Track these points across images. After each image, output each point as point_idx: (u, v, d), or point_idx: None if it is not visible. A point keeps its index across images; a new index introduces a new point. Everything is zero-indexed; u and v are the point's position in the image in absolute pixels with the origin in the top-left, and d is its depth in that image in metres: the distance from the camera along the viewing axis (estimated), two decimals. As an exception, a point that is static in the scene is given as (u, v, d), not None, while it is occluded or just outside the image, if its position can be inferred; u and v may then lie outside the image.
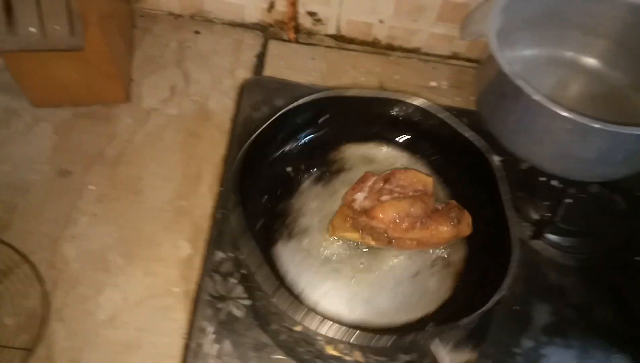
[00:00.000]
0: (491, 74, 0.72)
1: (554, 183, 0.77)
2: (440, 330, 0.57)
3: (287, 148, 0.77)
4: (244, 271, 0.69)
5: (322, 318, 0.58)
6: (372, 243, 0.69)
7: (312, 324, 0.58)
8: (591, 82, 0.82)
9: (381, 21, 0.90)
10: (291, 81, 0.88)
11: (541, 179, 0.78)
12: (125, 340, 0.65)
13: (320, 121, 0.78)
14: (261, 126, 0.71)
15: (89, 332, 0.65)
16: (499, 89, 0.70)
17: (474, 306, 0.60)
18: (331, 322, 0.58)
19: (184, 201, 0.75)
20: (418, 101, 0.75)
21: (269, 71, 0.90)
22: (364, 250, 0.70)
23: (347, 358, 0.65)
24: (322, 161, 0.77)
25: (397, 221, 0.67)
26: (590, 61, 0.83)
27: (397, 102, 0.75)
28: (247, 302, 0.67)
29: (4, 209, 0.71)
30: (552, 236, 0.75)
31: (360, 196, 0.71)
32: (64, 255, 0.69)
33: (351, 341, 0.57)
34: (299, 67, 0.91)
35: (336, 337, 0.58)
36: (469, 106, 0.85)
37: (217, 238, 0.71)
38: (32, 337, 0.63)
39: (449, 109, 0.84)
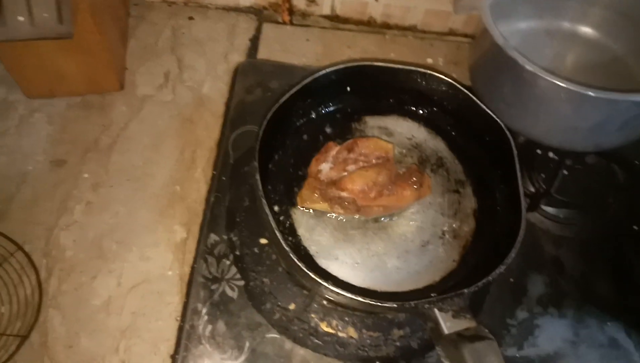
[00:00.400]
0: (485, 48, 0.70)
1: (551, 154, 0.76)
2: (443, 297, 0.57)
3: (310, 117, 0.77)
4: (237, 252, 0.68)
5: (330, 281, 0.58)
6: (341, 211, 0.68)
7: (322, 287, 0.58)
8: (590, 53, 0.80)
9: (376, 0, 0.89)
10: (286, 63, 0.88)
11: (538, 151, 0.76)
12: (120, 324, 0.65)
13: (342, 92, 0.77)
14: (285, 95, 0.70)
15: (84, 317, 0.65)
16: (493, 62, 0.69)
17: (477, 277, 0.59)
18: (336, 287, 0.58)
19: (179, 186, 0.75)
20: (442, 75, 0.74)
21: (263, 54, 0.89)
22: (377, 219, 0.70)
23: (341, 334, 0.64)
24: (343, 131, 0.77)
25: (366, 190, 0.68)
26: (589, 31, 0.81)
27: (421, 74, 0.75)
28: (241, 283, 0.67)
29: None
30: (548, 208, 0.74)
31: (325, 167, 0.71)
32: (59, 243, 0.70)
33: (357, 302, 0.58)
34: (293, 49, 0.90)
35: (342, 299, 0.59)
36: (466, 82, 0.82)
37: (211, 221, 0.71)
38: (27, 324, 0.63)
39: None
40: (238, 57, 0.88)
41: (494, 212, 0.70)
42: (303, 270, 0.57)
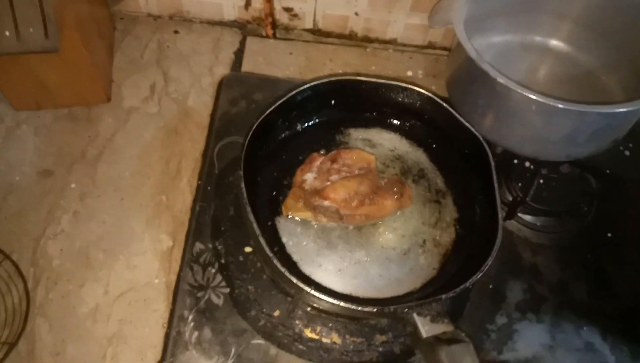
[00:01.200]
0: (460, 61, 0.73)
1: (527, 164, 0.79)
2: (421, 302, 0.59)
3: (295, 129, 0.79)
4: (222, 261, 0.70)
5: (313, 287, 0.59)
6: (324, 220, 0.70)
7: (305, 293, 0.59)
8: (563, 66, 0.83)
9: (357, 14, 0.92)
10: (269, 76, 0.90)
11: (515, 161, 0.79)
12: (107, 332, 0.66)
13: (327, 105, 0.79)
14: (270, 107, 0.72)
15: (72, 325, 0.66)
16: (467, 74, 0.71)
17: (456, 284, 0.61)
18: (318, 292, 0.59)
19: (164, 196, 0.77)
20: (422, 89, 0.76)
21: (247, 67, 0.91)
22: (359, 228, 0.72)
23: (325, 340, 0.66)
24: (328, 143, 0.79)
25: (348, 199, 0.70)
26: (561, 45, 0.84)
27: (402, 88, 0.77)
28: (226, 290, 0.68)
29: (-13, 210, 0.73)
30: (525, 217, 0.76)
31: (310, 177, 0.73)
32: (46, 252, 0.71)
33: (339, 306, 0.59)
34: (277, 62, 0.92)
35: (325, 305, 0.61)
36: (444, 94, 0.85)
37: (196, 230, 0.72)
38: (15, 332, 0.64)
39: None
40: (222, 70, 0.90)
41: (474, 222, 0.72)
42: (286, 277, 0.59)
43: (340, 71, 0.92)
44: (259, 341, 0.65)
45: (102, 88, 0.83)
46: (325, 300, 0.59)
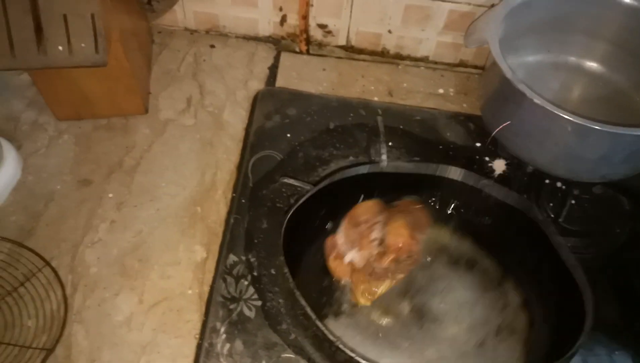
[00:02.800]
0: (494, 80, 0.73)
1: (559, 184, 0.78)
2: None
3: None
4: (255, 273, 0.71)
5: None
6: (402, 275, 0.68)
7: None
8: (594, 86, 0.83)
9: (390, 31, 0.93)
10: (302, 91, 0.91)
11: (546, 181, 0.79)
12: (141, 340, 0.67)
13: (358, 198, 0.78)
14: (302, 198, 0.73)
15: (107, 332, 0.68)
16: (502, 94, 0.72)
17: None
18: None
19: (199, 207, 0.78)
20: (458, 179, 0.75)
21: (281, 82, 0.93)
22: (420, 325, 0.69)
23: (358, 358, 0.66)
24: None
25: (412, 234, 0.68)
26: (593, 65, 0.84)
27: (439, 179, 0.76)
28: (258, 303, 0.69)
29: (28, 217, 0.75)
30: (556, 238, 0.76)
31: (352, 256, 0.70)
32: (83, 259, 0.73)
33: None
34: (310, 78, 0.94)
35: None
36: (476, 112, 0.86)
37: (230, 241, 0.74)
38: (52, 338, 0.66)
39: (456, 115, 0.86)
40: (257, 84, 0.92)
41: (544, 300, 0.70)
42: None
43: (372, 88, 0.93)
44: (289, 355, 0.66)
45: (140, 100, 0.85)
46: None
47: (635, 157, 0.68)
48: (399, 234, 0.68)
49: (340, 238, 0.72)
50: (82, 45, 0.65)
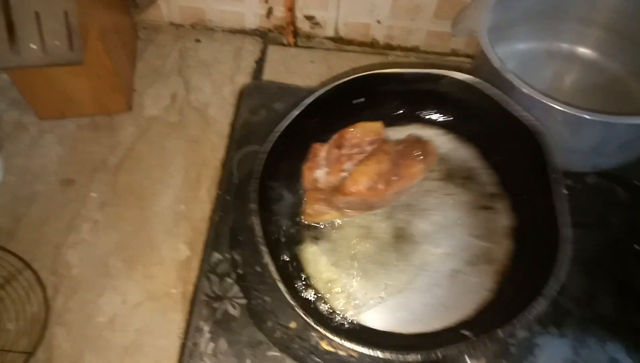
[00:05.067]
0: (483, 70, 0.71)
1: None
2: (474, 342, 0.54)
3: (318, 138, 0.73)
4: (240, 271, 0.70)
5: (345, 336, 0.56)
6: (354, 214, 0.65)
7: (335, 341, 0.57)
8: (590, 73, 0.81)
9: (378, 22, 0.91)
10: (290, 85, 0.89)
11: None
12: (125, 341, 0.66)
13: (352, 106, 0.72)
14: (285, 122, 0.67)
15: (89, 334, 0.67)
16: (491, 84, 0.70)
17: (515, 311, 0.56)
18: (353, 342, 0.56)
19: (184, 205, 0.77)
20: (463, 77, 0.67)
21: (268, 75, 0.91)
22: (398, 249, 0.67)
23: (342, 353, 0.65)
24: None
25: (373, 186, 0.64)
26: (588, 52, 0.82)
27: (440, 77, 0.68)
28: (243, 301, 0.68)
29: (9, 219, 0.74)
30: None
31: (320, 174, 0.68)
32: (66, 261, 0.71)
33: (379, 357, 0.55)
34: (298, 71, 0.92)
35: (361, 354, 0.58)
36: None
37: (214, 239, 0.72)
38: (33, 341, 0.65)
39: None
40: (244, 78, 0.90)
41: (534, 229, 0.65)
42: (312, 325, 0.56)
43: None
44: (274, 353, 0.64)
45: (124, 97, 0.83)
46: (358, 351, 0.56)
47: (629, 146, 0.66)
48: (356, 181, 0.64)
49: (323, 151, 0.69)
50: (56, 43, 0.63)
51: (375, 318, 0.64)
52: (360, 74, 0.69)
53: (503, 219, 0.68)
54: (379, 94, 0.72)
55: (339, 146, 0.69)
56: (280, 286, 0.59)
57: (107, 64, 0.77)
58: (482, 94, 0.67)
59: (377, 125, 0.69)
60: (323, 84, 0.88)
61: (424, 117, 0.75)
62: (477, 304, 0.63)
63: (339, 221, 0.69)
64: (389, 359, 0.56)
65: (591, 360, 0.67)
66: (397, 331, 0.63)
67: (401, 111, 0.75)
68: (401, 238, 0.68)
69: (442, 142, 0.73)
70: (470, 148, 0.72)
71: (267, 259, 0.60)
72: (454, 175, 0.70)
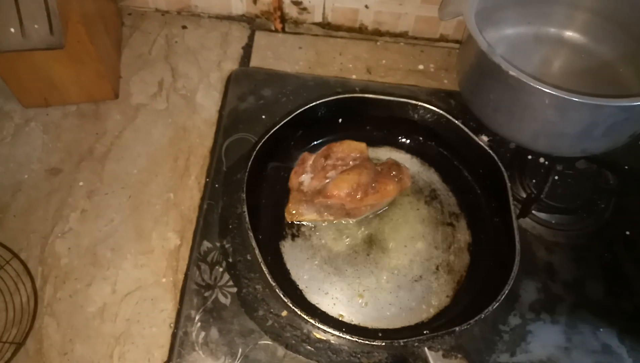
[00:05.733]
0: (471, 54, 0.71)
1: (542, 160, 0.77)
2: (432, 336, 0.58)
3: (302, 150, 0.77)
4: (230, 259, 0.69)
5: (317, 319, 0.60)
6: (331, 218, 0.70)
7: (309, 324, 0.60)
8: (578, 58, 0.81)
9: (366, 6, 0.90)
10: (278, 71, 0.88)
11: (529, 157, 0.77)
12: (115, 331, 0.66)
13: (334, 123, 0.78)
14: (272, 129, 0.72)
15: (79, 324, 0.66)
16: (479, 68, 0.70)
17: (471, 314, 0.60)
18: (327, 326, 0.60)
19: (172, 193, 0.76)
20: (433, 107, 0.75)
21: (255, 62, 0.90)
22: (368, 252, 0.71)
23: (333, 341, 0.65)
24: None
25: (352, 193, 0.69)
26: (576, 36, 0.82)
27: (412, 106, 0.76)
28: (233, 290, 0.67)
29: (-5, 209, 0.73)
30: (540, 214, 0.74)
31: (306, 178, 0.72)
32: (54, 250, 0.71)
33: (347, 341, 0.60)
34: (286, 57, 0.91)
35: (332, 338, 0.62)
36: (457, 88, 0.84)
37: (204, 228, 0.72)
38: (23, 331, 0.64)
39: (436, 91, 0.84)
40: (231, 65, 0.89)
41: (489, 245, 0.71)
42: (291, 307, 0.59)
43: (350, 66, 0.90)
44: (266, 341, 0.64)
45: (109, 84, 0.82)
46: (330, 333, 0.59)
47: (616, 129, 0.66)
48: (338, 186, 0.69)
49: (311, 159, 0.74)
50: (36, 26, 0.62)
51: (344, 312, 0.67)
52: (341, 96, 0.76)
53: (462, 235, 0.74)
54: (356, 116, 0.78)
55: (326, 157, 0.73)
56: (263, 269, 0.61)
57: (91, 50, 0.76)
58: (450, 124, 0.74)
59: (362, 145, 0.74)
60: (311, 70, 0.89)
61: (398, 141, 0.81)
62: (437, 308, 0.68)
63: (317, 223, 0.73)
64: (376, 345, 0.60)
65: (583, 346, 0.67)
66: (363, 325, 0.66)
67: (375, 133, 0.80)
68: (372, 244, 0.72)
69: (411, 164, 0.79)
70: (434, 172, 0.79)
71: (254, 244, 0.63)
72: (421, 194, 0.76)
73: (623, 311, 0.69)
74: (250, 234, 0.63)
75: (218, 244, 0.70)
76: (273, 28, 0.95)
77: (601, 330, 0.68)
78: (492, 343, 0.66)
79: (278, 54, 0.91)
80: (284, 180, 0.75)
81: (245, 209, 0.65)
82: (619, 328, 0.68)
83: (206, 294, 0.67)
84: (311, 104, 0.74)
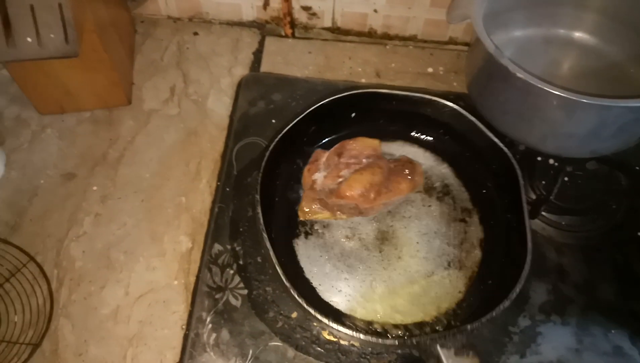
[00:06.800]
0: (479, 56, 0.71)
1: (551, 161, 0.76)
2: (445, 333, 0.58)
3: (317, 145, 0.79)
4: (241, 262, 0.70)
5: (331, 318, 0.60)
6: (344, 217, 0.71)
7: (323, 324, 0.60)
8: (588, 59, 0.81)
9: (375, 11, 0.91)
10: (288, 76, 0.89)
11: (539, 158, 0.77)
12: (128, 333, 0.67)
13: (348, 118, 0.79)
14: (287, 126, 0.72)
15: (93, 326, 0.67)
16: (487, 70, 0.70)
17: (483, 310, 0.60)
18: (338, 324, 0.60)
19: (184, 197, 0.77)
20: (446, 101, 0.75)
21: (266, 67, 0.91)
22: (380, 249, 0.71)
23: (343, 342, 0.65)
24: None
25: (365, 193, 0.70)
26: (585, 37, 0.82)
27: (426, 101, 0.76)
28: (244, 292, 0.68)
29: (13, 213, 0.75)
30: (550, 215, 0.74)
31: (319, 176, 0.73)
32: (69, 254, 0.72)
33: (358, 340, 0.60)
34: (295, 62, 0.92)
35: (344, 337, 0.62)
36: (466, 90, 0.84)
37: (215, 231, 0.73)
38: (39, 333, 0.65)
39: (446, 94, 0.84)
40: (242, 70, 0.90)
41: (501, 242, 0.71)
42: (304, 306, 0.59)
43: (360, 70, 0.91)
44: (276, 343, 0.65)
45: (122, 91, 0.84)
46: (344, 332, 0.59)
47: (627, 130, 0.65)
48: (351, 186, 0.70)
49: (324, 156, 0.75)
50: (52, 36, 0.64)
51: (358, 308, 0.67)
52: (355, 92, 0.75)
53: (474, 231, 0.73)
54: (369, 111, 0.78)
55: (339, 155, 0.74)
56: (278, 270, 0.61)
57: (105, 58, 0.77)
58: (464, 120, 0.74)
59: (375, 142, 0.75)
60: (320, 75, 0.89)
61: (411, 136, 0.81)
62: (449, 303, 0.68)
63: (330, 221, 0.73)
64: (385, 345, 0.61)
65: (595, 348, 0.67)
66: (375, 321, 0.66)
67: (388, 128, 0.80)
68: (384, 241, 0.72)
69: (424, 159, 0.79)
70: (447, 167, 0.78)
71: (268, 245, 0.63)
72: (433, 189, 0.76)
73: (635, 312, 0.69)
74: (263, 228, 0.64)
75: (229, 247, 0.71)
76: (283, 33, 0.96)
77: (613, 331, 0.67)
78: (502, 345, 0.66)
79: (288, 59, 0.92)
80: (297, 178, 0.75)
81: (259, 209, 0.65)
82: (631, 330, 0.67)
83: (217, 296, 0.68)
84: (326, 100, 0.74)
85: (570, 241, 0.73)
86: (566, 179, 0.75)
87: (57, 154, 0.80)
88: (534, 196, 0.76)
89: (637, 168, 0.78)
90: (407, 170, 0.72)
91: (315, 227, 0.73)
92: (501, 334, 0.67)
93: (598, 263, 0.72)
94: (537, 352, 0.66)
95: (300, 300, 0.60)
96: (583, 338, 0.67)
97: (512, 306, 0.67)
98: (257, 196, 0.66)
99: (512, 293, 0.60)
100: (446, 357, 0.57)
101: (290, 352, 0.65)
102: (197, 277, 0.70)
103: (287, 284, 0.61)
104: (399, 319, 0.66)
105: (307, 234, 0.72)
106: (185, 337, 0.66)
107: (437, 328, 0.65)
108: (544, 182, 0.76)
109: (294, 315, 0.67)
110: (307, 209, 0.72)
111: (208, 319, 0.66)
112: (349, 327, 0.59)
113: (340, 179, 0.71)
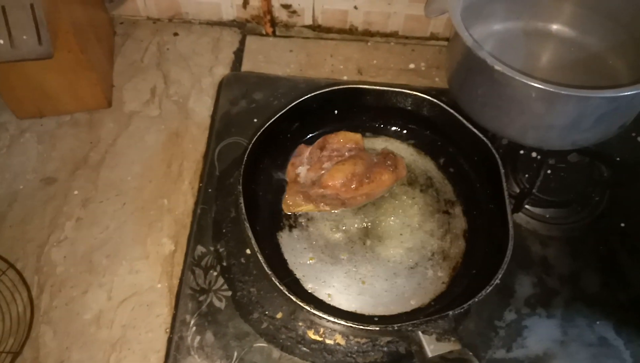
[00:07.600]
0: (458, 50, 0.71)
1: (534, 154, 0.76)
2: (426, 320, 0.58)
3: (298, 141, 0.78)
4: (224, 263, 0.69)
5: (315, 306, 0.59)
6: (327, 208, 0.71)
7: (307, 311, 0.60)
8: (567, 50, 0.81)
9: (356, 7, 0.90)
10: (269, 74, 0.89)
11: (521, 151, 0.77)
12: (111, 337, 0.66)
13: (330, 115, 0.79)
14: (270, 120, 0.72)
15: (76, 332, 0.66)
16: (466, 64, 0.70)
17: (464, 299, 0.60)
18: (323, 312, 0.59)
19: (166, 199, 0.76)
20: (426, 95, 0.75)
21: (247, 66, 0.91)
22: (364, 241, 0.71)
23: (328, 342, 0.65)
24: None
25: (347, 183, 0.71)
26: (564, 29, 0.81)
27: (406, 95, 0.76)
28: (228, 293, 0.68)
29: (-9, 219, 0.74)
30: (533, 209, 0.74)
31: (302, 170, 0.74)
32: (50, 259, 0.71)
33: (342, 327, 0.60)
34: (277, 60, 0.91)
35: (329, 324, 0.61)
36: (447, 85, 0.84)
37: (197, 232, 0.72)
38: (20, 341, 0.65)
39: (427, 89, 0.84)
40: (223, 70, 0.90)
41: (484, 233, 0.71)
42: (287, 295, 0.59)
43: (342, 67, 0.91)
44: (261, 344, 0.65)
45: (102, 93, 0.83)
46: (326, 319, 0.59)
47: (606, 121, 0.66)
48: (333, 176, 0.71)
49: (307, 151, 0.75)
50: (24, 37, 0.63)
51: (341, 300, 0.67)
52: (336, 88, 0.75)
53: (458, 222, 0.74)
54: (351, 107, 0.78)
55: (322, 148, 0.75)
56: (259, 257, 0.61)
57: (82, 59, 0.76)
58: (444, 113, 0.74)
59: (357, 136, 0.76)
60: (302, 73, 0.89)
61: (393, 131, 0.81)
62: (433, 294, 0.68)
63: (314, 214, 0.73)
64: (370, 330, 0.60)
65: (580, 339, 0.67)
66: (360, 312, 0.67)
67: (370, 124, 0.81)
68: (369, 233, 0.72)
69: (407, 153, 0.80)
70: (430, 161, 0.79)
71: (250, 234, 0.63)
72: (416, 182, 0.77)
73: (619, 303, 0.69)
74: (247, 224, 0.63)
75: (212, 248, 0.71)
76: (264, 32, 0.95)
77: (597, 322, 0.68)
78: (488, 339, 0.66)
79: (269, 58, 0.92)
80: (281, 173, 0.76)
81: (241, 199, 0.65)
82: (615, 320, 0.68)
83: (201, 298, 0.67)
84: (308, 96, 0.74)
85: (554, 234, 0.73)
86: (549, 171, 0.75)
87: (37, 158, 0.79)
88: (517, 190, 0.76)
89: (618, 159, 0.78)
90: (389, 161, 0.72)
91: (300, 220, 0.73)
92: (487, 328, 0.67)
93: (582, 255, 0.73)
94: (523, 345, 0.66)
95: (281, 287, 0.59)
96: (568, 330, 0.67)
97: (498, 301, 0.68)
98: (240, 187, 0.65)
99: (494, 279, 0.60)
100: (428, 342, 0.57)
101: (276, 353, 0.64)
102: (181, 280, 0.69)
103: (269, 271, 0.60)
104: (382, 310, 0.66)
105: (291, 227, 0.72)
106: (169, 340, 0.65)
107: (420, 317, 0.64)
108: (527, 175, 0.76)
109: (279, 315, 0.66)
110: (290, 202, 0.72)
111: (192, 322, 0.66)
112: (331, 314, 0.59)
113: (323, 171, 0.72)
